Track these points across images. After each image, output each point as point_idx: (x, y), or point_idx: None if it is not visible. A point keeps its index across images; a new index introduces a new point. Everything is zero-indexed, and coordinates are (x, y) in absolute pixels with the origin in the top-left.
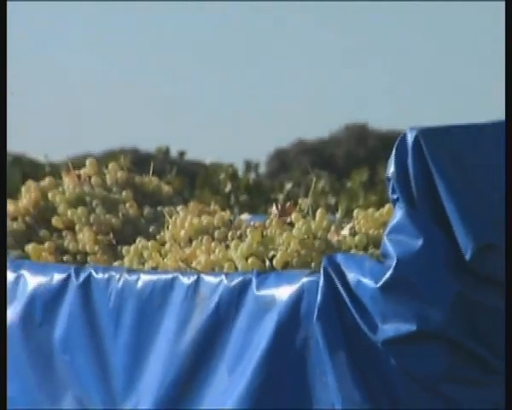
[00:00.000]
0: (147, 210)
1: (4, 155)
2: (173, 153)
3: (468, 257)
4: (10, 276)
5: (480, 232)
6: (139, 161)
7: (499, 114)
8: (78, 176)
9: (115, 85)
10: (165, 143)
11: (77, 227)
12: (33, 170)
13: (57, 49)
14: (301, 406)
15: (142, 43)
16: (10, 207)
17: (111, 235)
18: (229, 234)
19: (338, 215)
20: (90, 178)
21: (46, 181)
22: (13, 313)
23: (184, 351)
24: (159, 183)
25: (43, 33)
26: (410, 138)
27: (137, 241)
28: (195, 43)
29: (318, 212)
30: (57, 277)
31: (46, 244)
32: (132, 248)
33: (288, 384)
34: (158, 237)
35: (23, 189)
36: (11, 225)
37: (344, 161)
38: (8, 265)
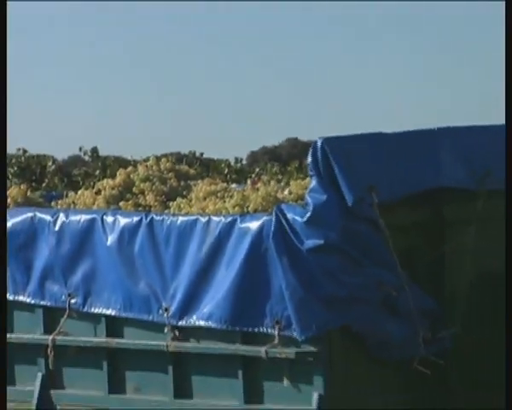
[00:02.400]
0: (182, 183)
1: (4, 157)
2: (197, 154)
3: (349, 204)
4: (110, 219)
5: (356, 191)
6: (179, 159)
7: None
8: (146, 166)
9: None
10: (193, 148)
11: (146, 192)
12: (124, 163)
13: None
14: (263, 285)
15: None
16: (111, 182)
17: (163, 196)
18: (226, 195)
19: (282, 184)
20: (152, 166)
21: (129, 168)
22: (112, 238)
23: (202, 258)
24: (188, 169)
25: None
26: (319, 143)
27: (177, 199)
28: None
29: (272, 183)
30: (135, 218)
31: (129, 202)
32: (175, 203)
33: (257, 274)
34: (188, 197)
35: (117, 173)
36: (111, 192)
37: (286, 157)
38: (107, 212)
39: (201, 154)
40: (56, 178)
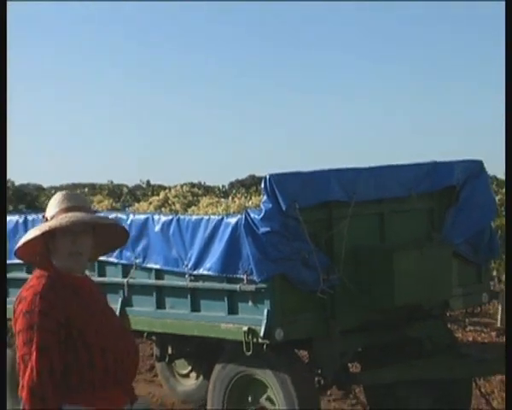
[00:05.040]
0: (194, 198)
1: (5, 158)
2: (202, 182)
3: (284, 209)
4: (157, 217)
5: (287, 202)
6: (193, 185)
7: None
8: (176, 189)
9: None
10: (199, 179)
11: (175, 203)
12: (163, 188)
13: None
14: (238, 252)
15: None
16: (157, 198)
17: (185, 206)
18: (218, 204)
19: (248, 199)
20: (178, 190)
21: (166, 190)
22: (158, 227)
23: (205, 238)
24: (198, 191)
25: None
26: (268, 176)
27: (192, 207)
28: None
29: (242, 198)
30: (170, 217)
31: (167, 209)
32: (191, 209)
33: (235, 247)
34: (198, 205)
35: (160, 193)
36: (157, 203)
37: (248, 185)
38: (155, 213)
39: (204, 182)
40: (128, 196)
